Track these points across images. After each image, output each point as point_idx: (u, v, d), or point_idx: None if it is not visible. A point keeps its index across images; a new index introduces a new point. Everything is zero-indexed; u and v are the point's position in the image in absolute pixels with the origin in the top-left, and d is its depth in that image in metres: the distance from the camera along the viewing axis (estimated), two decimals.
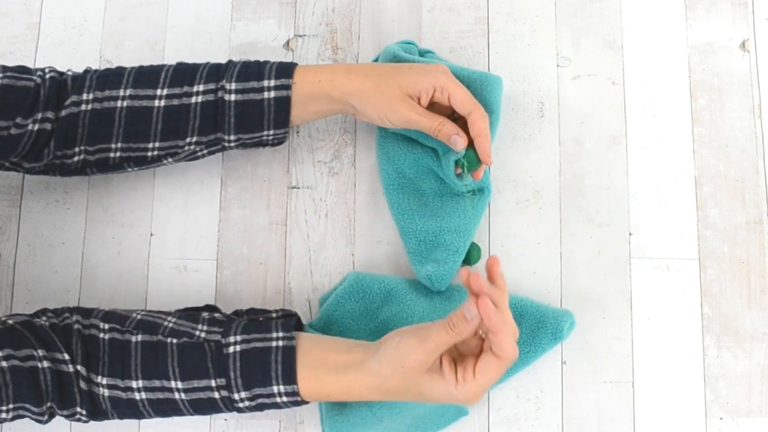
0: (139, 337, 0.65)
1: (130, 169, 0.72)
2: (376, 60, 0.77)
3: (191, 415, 0.66)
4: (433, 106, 0.69)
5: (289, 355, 0.63)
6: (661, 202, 0.77)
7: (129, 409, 0.65)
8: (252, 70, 0.68)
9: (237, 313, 0.70)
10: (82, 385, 0.64)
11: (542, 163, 0.78)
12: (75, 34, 0.83)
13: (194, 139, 0.69)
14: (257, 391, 0.64)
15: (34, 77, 0.67)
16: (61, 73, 0.69)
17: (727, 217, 0.77)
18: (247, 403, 0.64)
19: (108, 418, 0.67)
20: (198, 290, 0.77)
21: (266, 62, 0.70)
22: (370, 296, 0.73)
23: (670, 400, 0.74)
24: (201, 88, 0.68)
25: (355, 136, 0.80)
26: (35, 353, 0.62)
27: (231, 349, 0.64)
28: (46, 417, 0.64)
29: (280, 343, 0.64)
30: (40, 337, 0.64)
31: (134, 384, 0.64)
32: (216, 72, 0.69)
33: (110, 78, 0.69)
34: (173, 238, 0.78)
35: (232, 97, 0.67)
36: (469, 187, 0.73)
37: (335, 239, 0.78)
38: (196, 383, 0.64)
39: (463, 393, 0.59)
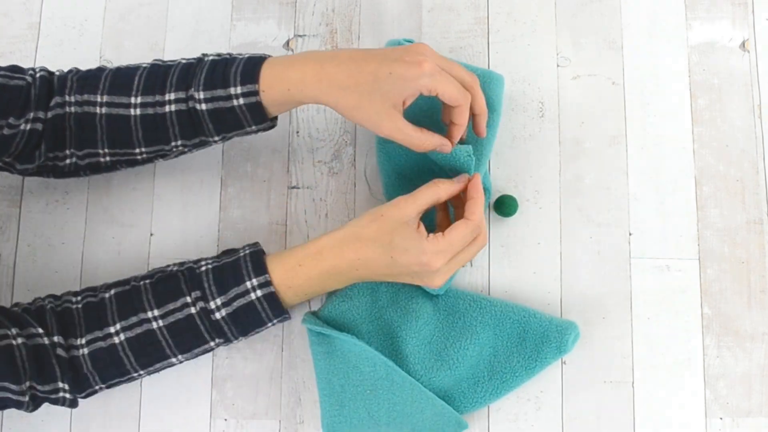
0: (112, 291, 0.66)
1: (122, 169, 0.73)
2: None
3: (172, 350, 0.65)
4: None
5: (257, 254, 0.67)
6: (661, 202, 0.77)
7: (110, 359, 0.64)
8: (218, 75, 0.65)
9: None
10: (60, 352, 0.63)
11: (542, 163, 0.78)
12: (75, 34, 0.83)
13: (179, 142, 0.69)
14: (232, 292, 0.65)
15: (26, 76, 0.67)
16: (51, 73, 0.70)
17: (727, 217, 0.77)
18: (223, 312, 0.65)
19: (92, 387, 0.66)
20: None
21: (233, 61, 0.66)
22: (377, 293, 0.73)
23: (670, 400, 0.74)
24: (172, 96, 0.66)
25: (355, 136, 0.80)
26: (9, 332, 0.62)
27: (204, 268, 0.66)
28: (27, 398, 0.63)
29: (248, 250, 0.67)
30: (13, 318, 0.64)
31: (112, 329, 0.64)
32: (185, 77, 0.66)
33: (89, 81, 0.68)
34: (173, 238, 0.78)
35: (203, 106, 0.66)
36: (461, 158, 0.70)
37: None
38: (171, 305, 0.65)
39: (431, 245, 0.63)
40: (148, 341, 0.65)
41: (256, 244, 0.69)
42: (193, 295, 0.65)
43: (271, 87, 0.65)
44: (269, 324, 0.68)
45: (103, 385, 0.67)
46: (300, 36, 0.82)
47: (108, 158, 0.70)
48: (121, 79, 0.68)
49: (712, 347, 0.75)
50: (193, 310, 0.64)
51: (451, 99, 0.65)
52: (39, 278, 0.78)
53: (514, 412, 0.74)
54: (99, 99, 0.67)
